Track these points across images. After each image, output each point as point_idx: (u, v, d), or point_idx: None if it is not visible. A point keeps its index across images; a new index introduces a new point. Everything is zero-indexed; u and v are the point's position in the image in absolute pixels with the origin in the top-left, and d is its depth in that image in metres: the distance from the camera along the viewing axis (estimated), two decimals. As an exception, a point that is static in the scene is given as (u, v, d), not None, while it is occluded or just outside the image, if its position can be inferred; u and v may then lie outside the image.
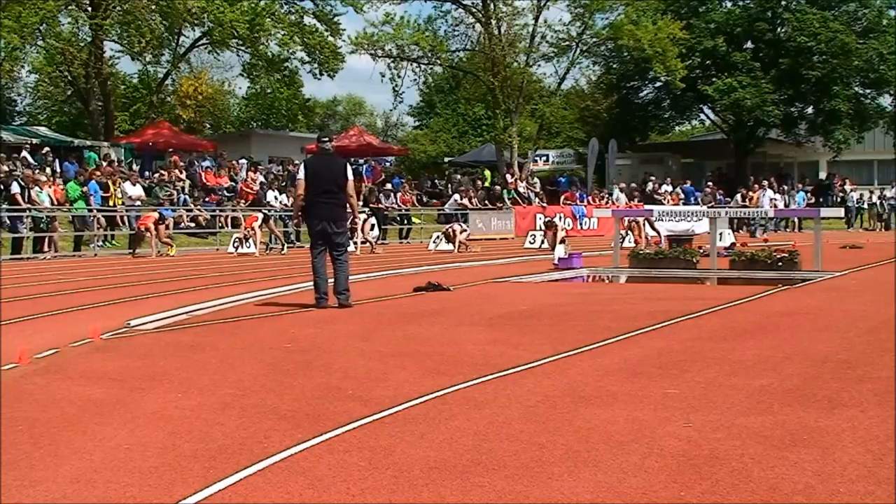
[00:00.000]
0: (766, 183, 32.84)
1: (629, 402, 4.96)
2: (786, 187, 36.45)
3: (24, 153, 24.72)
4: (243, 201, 25.62)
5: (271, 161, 33.13)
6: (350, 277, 9.64)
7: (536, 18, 33.95)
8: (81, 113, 36.41)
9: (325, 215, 9.36)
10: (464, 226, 22.47)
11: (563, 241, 17.51)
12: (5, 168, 21.72)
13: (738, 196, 32.13)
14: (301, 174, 9.65)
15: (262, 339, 7.32)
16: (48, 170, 22.95)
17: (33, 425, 4.56)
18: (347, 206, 9.58)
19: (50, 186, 20.48)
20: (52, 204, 20.01)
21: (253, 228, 20.03)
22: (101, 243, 20.84)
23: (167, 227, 20.23)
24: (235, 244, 20.15)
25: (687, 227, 18.80)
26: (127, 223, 21.48)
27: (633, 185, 33.99)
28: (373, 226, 21.41)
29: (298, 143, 36.96)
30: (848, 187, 35.74)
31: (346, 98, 65.06)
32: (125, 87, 43.82)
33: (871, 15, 38.23)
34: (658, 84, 40.09)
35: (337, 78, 56.21)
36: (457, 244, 20.65)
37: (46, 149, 26.09)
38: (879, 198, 34.96)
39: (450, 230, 21.25)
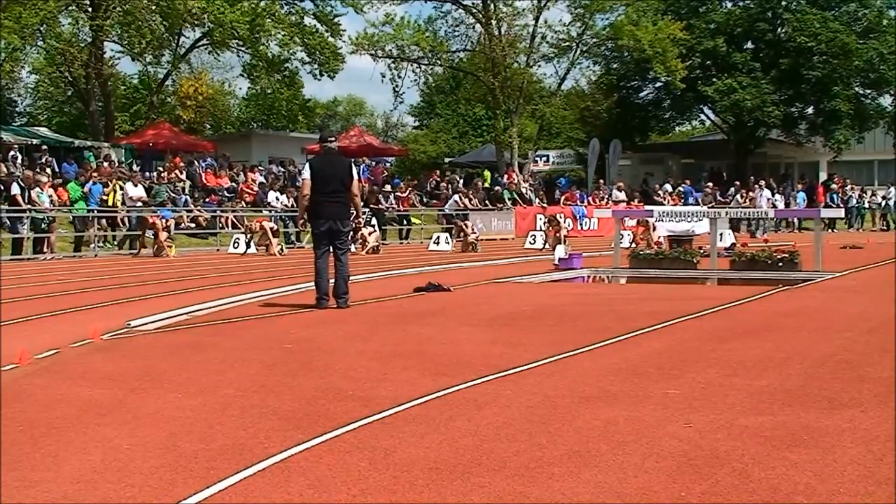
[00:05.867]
0: (762, 183, 32.84)
1: (629, 402, 4.96)
2: (786, 187, 36.40)
3: (14, 152, 24.64)
4: (243, 202, 25.61)
5: (271, 161, 33.10)
6: (350, 278, 9.67)
7: (536, 19, 33.99)
8: (82, 114, 36.41)
9: (332, 214, 9.39)
10: (470, 224, 22.41)
11: (564, 241, 17.47)
12: (5, 169, 21.69)
13: (739, 196, 32.11)
14: (306, 174, 9.61)
15: (262, 340, 7.32)
16: (48, 170, 22.90)
17: (34, 426, 4.56)
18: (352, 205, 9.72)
19: (51, 188, 20.44)
20: (53, 205, 19.98)
21: (262, 227, 19.97)
22: (101, 244, 20.83)
23: (168, 231, 20.23)
24: (246, 241, 20.06)
25: (687, 228, 18.76)
26: (127, 224, 21.46)
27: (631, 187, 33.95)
28: (373, 226, 21.34)
29: (299, 143, 36.91)
30: (854, 192, 35.46)
31: (347, 98, 65.25)
32: (125, 88, 43.83)
33: (871, 15, 38.24)
34: (658, 84, 40.10)
35: (337, 78, 56.48)
36: (465, 243, 20.62)
37: (45, 147, 26.05)
38: (883, 197, 34.93)
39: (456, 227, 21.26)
